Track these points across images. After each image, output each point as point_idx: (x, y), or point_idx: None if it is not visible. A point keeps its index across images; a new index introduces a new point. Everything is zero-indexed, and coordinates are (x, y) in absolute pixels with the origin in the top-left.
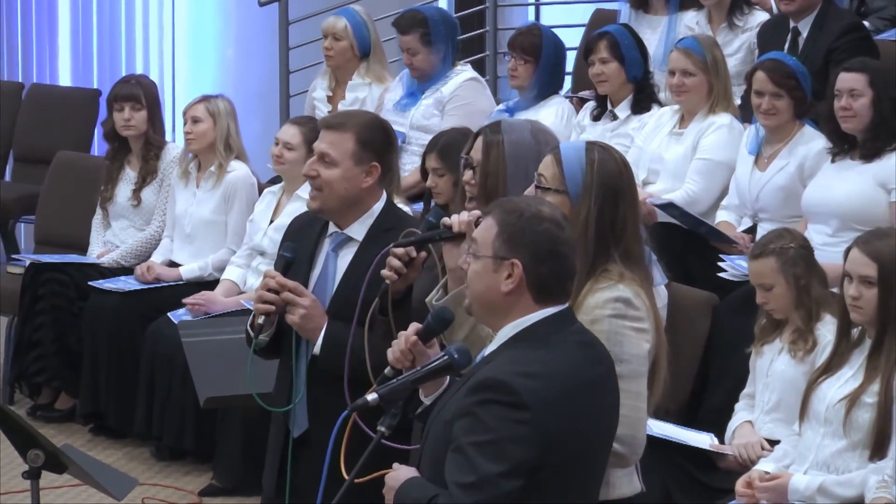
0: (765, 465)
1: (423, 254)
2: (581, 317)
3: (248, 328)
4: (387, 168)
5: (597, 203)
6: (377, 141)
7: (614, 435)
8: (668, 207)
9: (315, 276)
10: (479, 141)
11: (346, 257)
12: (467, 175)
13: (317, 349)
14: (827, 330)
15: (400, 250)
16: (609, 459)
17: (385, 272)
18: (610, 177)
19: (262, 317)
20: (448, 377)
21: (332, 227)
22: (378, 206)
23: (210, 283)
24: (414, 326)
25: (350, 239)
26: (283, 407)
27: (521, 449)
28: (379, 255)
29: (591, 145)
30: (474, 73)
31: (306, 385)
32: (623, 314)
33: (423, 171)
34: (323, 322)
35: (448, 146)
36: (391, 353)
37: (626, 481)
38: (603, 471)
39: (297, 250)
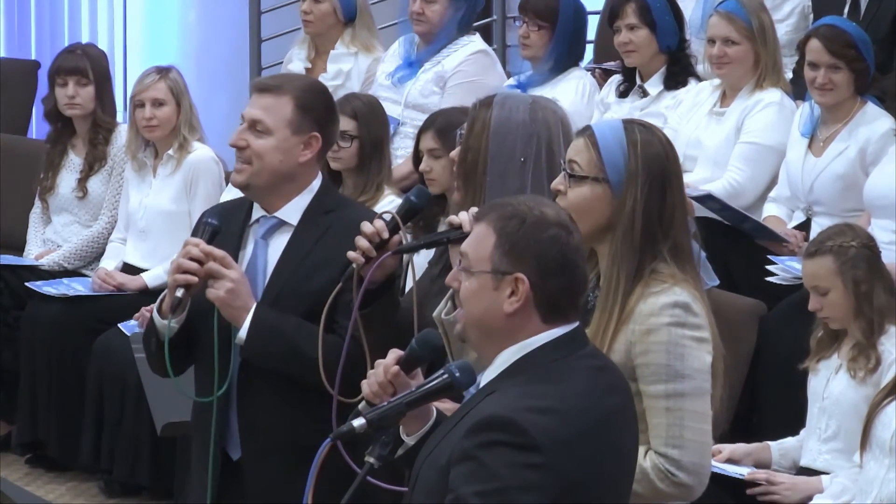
0: (821, 502)
1: (398, 236)
2: (633, 326)
3: (155, 314)
4: (328, 141)
5: (643, 192)
6: (318, 108)
7: (633, 474)
8: (707, 200)
9: (242, 265)
10: (469, 115)
11: (278, 244)
12: (454, 152)
13: (242, 334)
14: (892, 345)
15: (369, 227)
16: (671, 492)
17: (352, 254)
18: (656, 160)
19: (181, 290)
20: (434, 413)
21: (257, 212)
22: (315, 185)
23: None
24: (394, 354)
25: (282, 224)
26: (208, 398)
27: (533, 498)
28: (374, 265)
29: (629, 124)
30: (483, 45)
31: (237, 392)
32: (683, 322)
33: (416, 156)
34: (251, 302)
35: (448, 125)
36: (367, 386)
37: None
38: None
39: (225, 220)
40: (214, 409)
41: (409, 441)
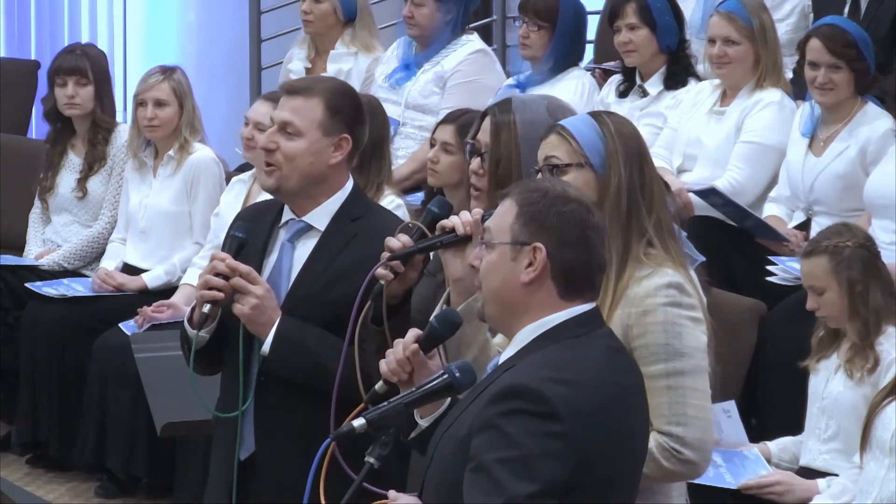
0: (821, 502)
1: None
2: (627, 310)
3: (186, 323)
4: (357, 143)
5: (627, 168)
6: (348, 109)
7: (645, 453)
8: (710, 194)
9: (268, 269)
10: (487, 122)
11: (304, 249)
12: (475, 164)
13: (266, 347)
14: (891, 345)
15: (396, 243)
16: (676, 470)
17: (380, 270)
18: (631, 139)
19: (208, 305)
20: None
21: (287, 215)
22: (344, 192)
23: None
24: (414, 333)
25: (310, 228)
26: (231, 413)
27: (554, 466)
28: (375, 267)
29: (595, 113)
30: (482, 45)
31: (253, 396)
32: (678, 302)
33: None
34: (276, 316)
35: (469, 125)
36: (385, 364)
37: (678, 493)
38: (634, 495)
39: (251, 232)
40: (239, 423)
41: (423, 423)
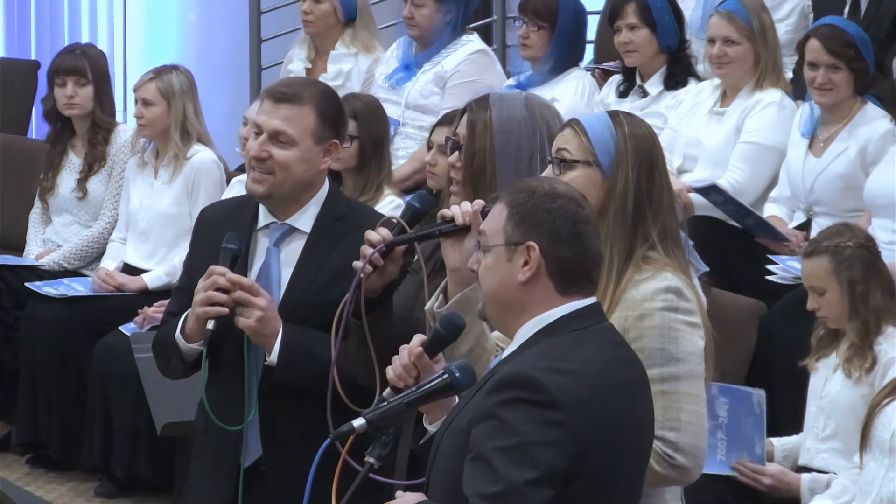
0: (821, 502)
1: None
2: (624, 313)
3: (178, 336)
4: (342, 143)
5: (635, 171)
6: (335, 114)
7: (650, 448)
8: (712, 191)
9: (253, 275)
10: (466, 118)
11: (290, 251)
12: (452, 158)
13: (273, 357)
14: (890, 345)
15: (376, 236)
16: (669, 475)
17: (358, 263)
18: (644, 142)
19: (212, 322)
20: (457, 401)
21: (265, 218)
22: (323, 192)
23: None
24: (418, 338)
25: (294, 230)
26: (235, 426)
27: (553, 454)
28: (367, 259)
29: (613, 113)
30: (482, 45)
31: (257, 404)
32: (675, 307)
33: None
34: (279, 325)
35: None
36: (391, 371)
37: (671, 497)
38: (639, 490)
39: (243, 242)
40: (246, 434)
41: (433, 429)
